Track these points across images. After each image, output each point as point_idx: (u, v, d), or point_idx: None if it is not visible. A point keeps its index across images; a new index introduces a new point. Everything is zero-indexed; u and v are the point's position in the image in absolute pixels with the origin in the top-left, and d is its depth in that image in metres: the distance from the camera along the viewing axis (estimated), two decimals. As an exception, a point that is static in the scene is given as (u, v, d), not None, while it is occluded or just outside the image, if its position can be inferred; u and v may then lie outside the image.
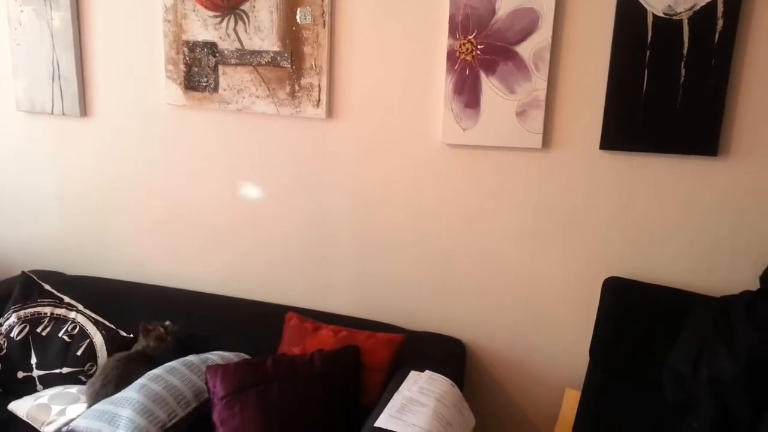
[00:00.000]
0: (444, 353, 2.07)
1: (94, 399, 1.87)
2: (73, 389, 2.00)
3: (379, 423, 1.57)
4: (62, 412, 1.87)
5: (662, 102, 1.82)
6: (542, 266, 2.04)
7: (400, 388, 1.74)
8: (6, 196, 2.66)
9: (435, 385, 1.76)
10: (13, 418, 1.91)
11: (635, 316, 1.84)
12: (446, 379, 1.81)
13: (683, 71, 1.80)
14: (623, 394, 1.76)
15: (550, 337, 2.08)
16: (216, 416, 1.78)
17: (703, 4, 1.75)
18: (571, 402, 1.92)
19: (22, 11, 2.40)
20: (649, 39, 1.80)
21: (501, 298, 2.11)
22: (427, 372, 1.82)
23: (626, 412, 1.73)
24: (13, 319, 2.19)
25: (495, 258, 2.09)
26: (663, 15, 1.78)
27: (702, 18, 1.75)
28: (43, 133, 2.53)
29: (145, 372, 1.87)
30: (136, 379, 1.83)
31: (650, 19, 1.79)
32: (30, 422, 1.88)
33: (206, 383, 1.83)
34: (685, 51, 1.79)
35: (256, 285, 2.34)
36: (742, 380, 1.53)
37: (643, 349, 1.78)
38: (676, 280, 1.91)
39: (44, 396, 1.95)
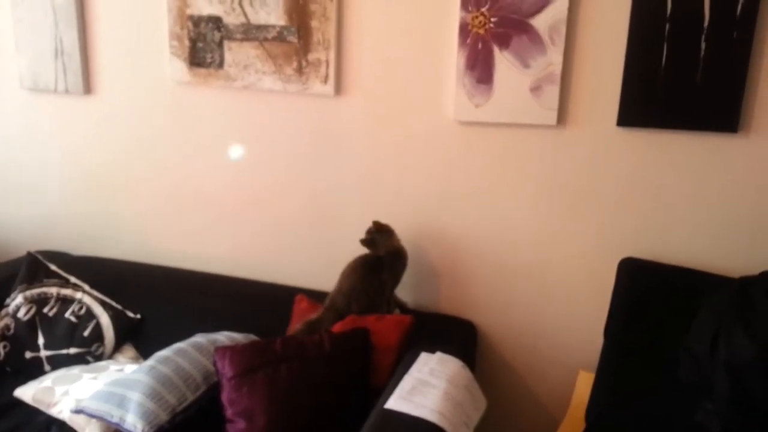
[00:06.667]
0: (455, 335, 2.05)
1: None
2: (76, 369, 1.99)
3: (390, 404, 1.56)
4: (66, 393, 1.86)
5: (681, 77, 1.77)
6: (556, 246, 2.01)
7: (411, 370, 1.72)
8: (10, 175, 2.63)
9: (446, 366, 1.74)
10: (21, 403, 1.91)
11: (651, 297, 1.81)
12: (457, 360, 1.78)
13: (703, 45, 1.74)
14: (638, 376, 1.74)
15: (563, 318, 2.05)
16: (224, 397, 1.77)
17: (725, -26, 1.69)
18: (584, 384, 1.90)
19: (23, -14, 2.36)
20: (669, 11, 1.75)
21: (513, 279, 2.07)
22: (438, 353, 1.79)
23: (641, 395, 1.71)
24: (19, 299, 2.17)
25: (507, 238, 2.05)
26: (683, -14, 1.73)
27: (724, -11, 1.70)
28: (46, 110, 2.50)
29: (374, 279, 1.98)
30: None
31: (670, -10, 1.74)
32: (36, 405, 1.88)
33: (215, 364, 1.82)
34: (705, 24, 1.73)
35: (264, 265, 2.32)
36: (761, 361, 1.50)
37: (658, 330, 1.76)
38: (693, 260, 1.87)
39: (47, 379, 1.95)
